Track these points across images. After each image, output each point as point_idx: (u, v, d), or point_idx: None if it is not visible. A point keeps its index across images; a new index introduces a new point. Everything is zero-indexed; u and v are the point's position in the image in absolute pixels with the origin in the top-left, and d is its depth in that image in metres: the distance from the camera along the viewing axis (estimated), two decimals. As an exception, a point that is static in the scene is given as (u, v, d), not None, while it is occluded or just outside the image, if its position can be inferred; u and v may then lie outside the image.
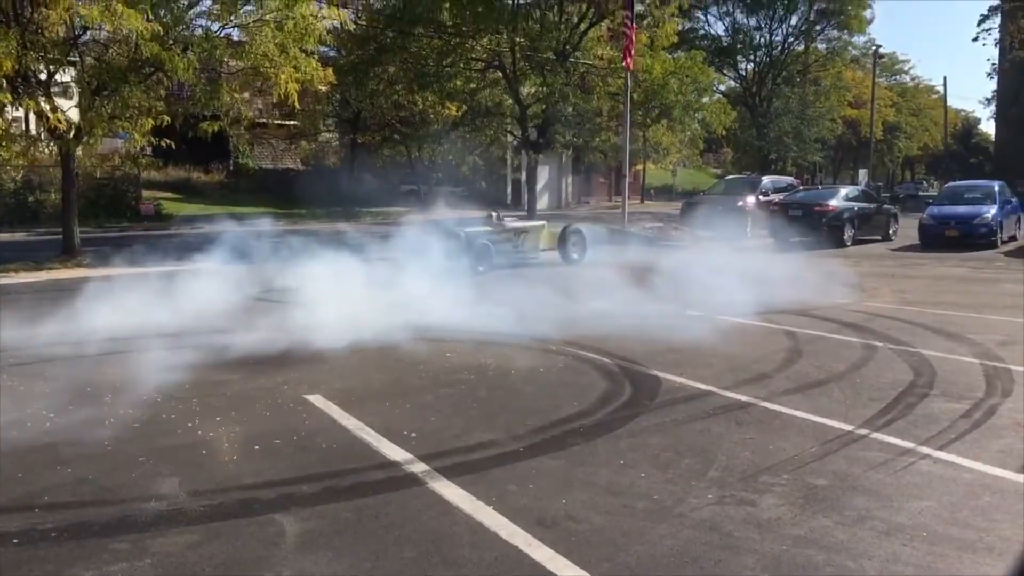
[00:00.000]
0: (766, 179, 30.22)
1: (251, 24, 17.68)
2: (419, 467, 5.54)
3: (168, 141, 18.91)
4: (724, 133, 41.39)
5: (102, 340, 9.37)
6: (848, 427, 6.37)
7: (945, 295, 13.72)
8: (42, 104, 16.68)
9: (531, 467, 5.57)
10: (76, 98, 18.62)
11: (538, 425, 6.48)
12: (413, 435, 6.19)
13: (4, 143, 17.53)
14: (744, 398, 7.20)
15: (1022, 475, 5.41)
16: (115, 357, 8.76)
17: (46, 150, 19.17)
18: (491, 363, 8.58)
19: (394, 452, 5.82)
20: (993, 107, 52.06)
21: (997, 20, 44.28)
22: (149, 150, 18.90)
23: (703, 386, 7.59)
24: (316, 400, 7.12)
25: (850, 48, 50.59)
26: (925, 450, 5.87)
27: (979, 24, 45.75)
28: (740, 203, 27.12)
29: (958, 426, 6.44)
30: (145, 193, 33.26)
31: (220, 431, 6.33)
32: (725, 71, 47.95)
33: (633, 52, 26.20)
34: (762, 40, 47.50)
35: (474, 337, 9.83)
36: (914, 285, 15.11)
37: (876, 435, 6.20)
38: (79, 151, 18.13)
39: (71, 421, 6.53)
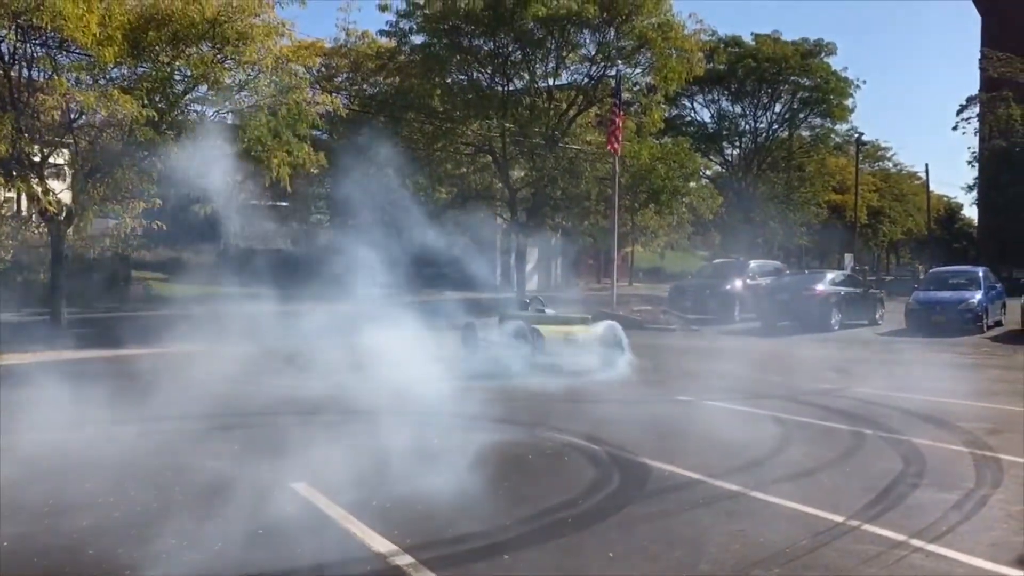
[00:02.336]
0: (753, 263, 30.47)
1: (245, 109, 17.97)
2: (404, 559, 5.45)
3: (159, 223, 19.03)
4: (711, 217, 41.82)
5: (85, 424, 9.27)
6: (839, 518, 6.31)
7: (932, 381, 13.71)
8: (34, 186, 16.81)
9: (519, 559, 5.49)
10: (69, 180, 18.78)
11: (526, 515, 6.40)
12: (399, 525, 6.10)
13: (-5, 224, 17.61)
14: (734, 487, 7.14)
15: (1015, 569, 5.35)
16: (96, 442, 8.65)
17: (37, 231, 19.23)
18: (478, 449, 8.49)
19: (379, 544, 5.73)
20: (975, 194, 52.86)
21: (976, 110, 45.29)
22: (140, 231, 18.98)
23: (692, 474, 7.53)
24: (301, 488, 7.02)
25: (833, 135, 51.48)
26: (917, 543, 5.81)
27: (958, 113, 46.78)
28: (728, 287, 27.30)
29: (949, 517, 6.39)
30: (135, 273, 33.27)
31: (202, 520, 6.21)
32: (711, 156, 48.69)
33: (620, 137, 26.61)
34: (747, 127, 48.41)
35: (460, 422, 9.77)
36: (901, 371, 15.12)
37: (867, 527, 6.14)
38: (70, 232, 18.20)
39: (47, 509, 6.41)
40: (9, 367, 14.60)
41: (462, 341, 15.48)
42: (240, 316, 15.81)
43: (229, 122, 19.11)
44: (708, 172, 48.44)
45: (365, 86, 35.80)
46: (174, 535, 5.85)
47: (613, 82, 29.19)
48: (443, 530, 6.05)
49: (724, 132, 48.52)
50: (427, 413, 10.27)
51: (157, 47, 17.02)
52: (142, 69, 17.22)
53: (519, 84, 31.36)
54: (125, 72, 17.25)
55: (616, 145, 26.40)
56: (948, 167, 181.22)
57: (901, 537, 5.91)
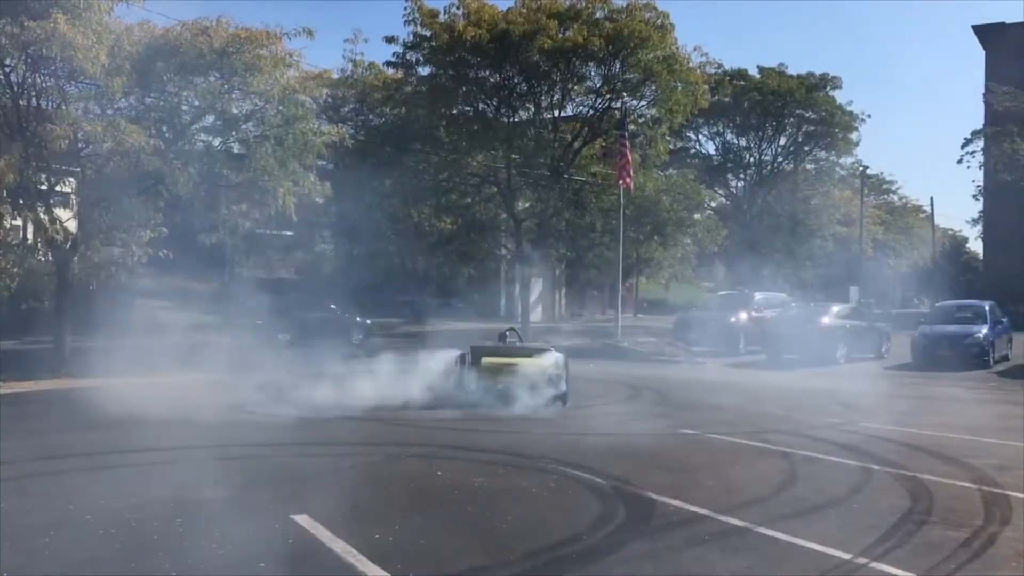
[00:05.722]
0: (758, 295, 30.38)
1: (252, 139, 18.05)
2: (407, 594, 5.38)
3: (165, 251, 19.09)
4: (716, 249, 41.84)
5: (87, 455, 9.22)
6: (846, 555, 6.22)
7: (940, 416, 13.62)
8: (41, 215, 16.85)
9: (522, 596, 5.42)
10: (75, 209, 18.83)
11: (529, 549, 6.32)
12: (402, 559, 6.02)
13: (0, 252, 17.63)
14: (739, 523, 7.05)
15: (1026, 610, 5.27)
16: (98, 473, 8.60)
17: (42, 259, 19.27)
18: (482, 482, 8.44)
19: (381, 578, 5.67)
20: (980, 227, 52.78)
21: (981, 144, 45.27)
22: (145, 259, 19.03)
23: (698, 509, 7.44)
24: (303, 520, 6.94)
25: (838, 168, 51.59)
26: (926, 582, 5.72)
27: (963, 147, 46.71)
28: (733, 319, 27.20)
29: (958, 556, 6.30)
30: (139, 301, 33.26)
31: (203, 553, 6.14)
32: (716, 188, 48.78)
33: (631, 172, 26.66)
34: (752, 159, 48.50)
35: (465, 455, 9.71)
36: (908, 405, 15.02)
37: (876, 564, 6.05)
38: (75, 260, 18.23)
39: (49, 541, 6.35)
40: (16, 395, 14.58)
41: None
42: (239, 347, 15.80)
43: (236, 151, 19.20)
44: (713, 204, 48.52)
45: (371, 116, 36.05)
46: (174, 567, 5.79)
47: (618, 114, 29.34)
48: (446, 565, 5.98)
49: (729, 164, 48.63)
50: (432, 444, 10.24)
51: (165, 77, 17.13)
52: (150, 99, 17.33)
53: (524, 116, 31.53)
54: (133, 102, 17.36)
55: (628, 180, 26.45)
56: (953, 201, 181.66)
57: (910, 575, 5.82)
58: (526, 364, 13.94)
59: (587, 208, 31.64)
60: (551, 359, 14.08)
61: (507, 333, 15.62)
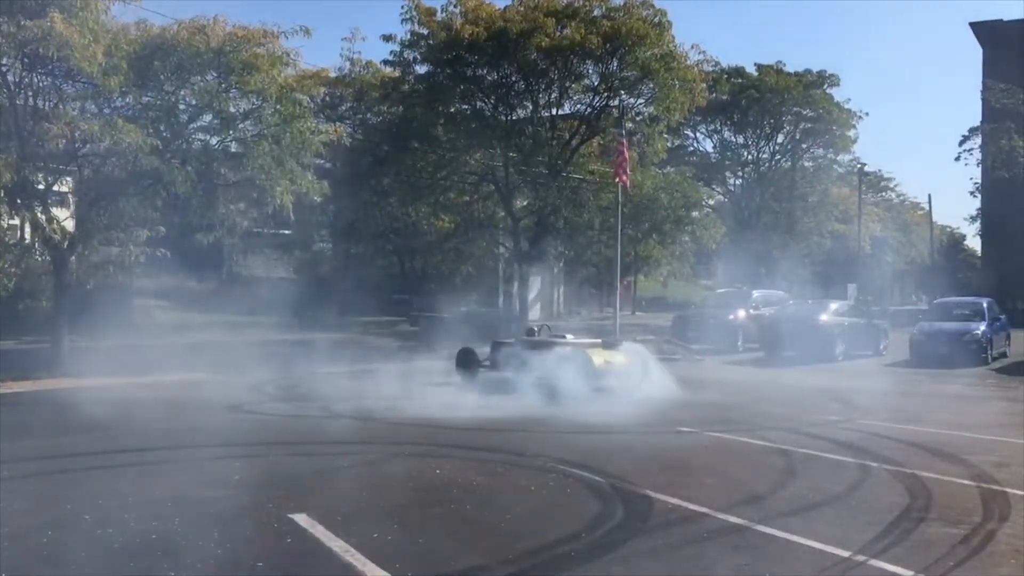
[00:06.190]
0: (757, 293, 30.40)
1: (249, 138, 18.02)
2: (406, 593, 5.37)
3: (163, 251, 19.07)
4: (714, 247, 41.86)
5: (85, 455, 9.21)
6: (845, 553, 6.22)
7: (938, 413, 13.63)
8: (39, 214, 16.82)
9: (521, 594, 5.41)
10: (72, 208, 18.80)
11: (528, 548, 6.31)
12: (401, 558, 6.02)
13: (-2, 252, 17.60)
14: (738, 520, 7.05)
15: (1025, 607, 5.27)
16: (96, 472, 8.59)
17: (40, 259, 19.24)
18: (480, 480, 8.44)
19: (380, 577, 5.66)
20: (978, 224, 52.85)
21: (978, 140, 45.27)
22: (143, 259, 19.00)
23: (696, 507, 7.44)
24: (301, 520, 6.93)
25: (836, 166, 51.56)
26: (925, 579, 5.72)
27: (961, 144, 46.70)
28: (731, 316, 27.22)
29: (956, 553, 6.30)
30: (137, 301, 33.22)
31: (201, 553, 6.13)
32: (714, 186, 48.75)
33: (628, 169, 26.63)
34: (750, 157, 48.44)
35: (463, 453, 9.70)
36: (906, 403, 15.02)
37: (874, 562, 6.05)
38: (73, 260, 18.20)
39: (48, 541, 6.34)
40: (17, 394, 14.56)
41: (458, 367, 15.54)
42: (237, 346, 15.81)
43: (233, 150, 19.17)
44: (711, 202, 48.50)
45: (369, 115, 35.98)
46: (173, 567, 5.79)
47: (616, 112, 29.31)
48: (445, 563, 5.98)
49: (727, 162, 48.59)
50: (431, 444, 10.24)
51: (162, 76, 17.10)
52: (147, 98, 17.29)
53: (522, 114, 31.48)
54: (130, 101, 17.32)
55: (624, 177, 26.44)
56: (951, 197, 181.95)
57: (908, 573, 5.82)
58: (626, 361, 14.18)
59: (585, 206, 31.58)
60: (642, 350, 14.39)
61: (537, 329, 15.59)
